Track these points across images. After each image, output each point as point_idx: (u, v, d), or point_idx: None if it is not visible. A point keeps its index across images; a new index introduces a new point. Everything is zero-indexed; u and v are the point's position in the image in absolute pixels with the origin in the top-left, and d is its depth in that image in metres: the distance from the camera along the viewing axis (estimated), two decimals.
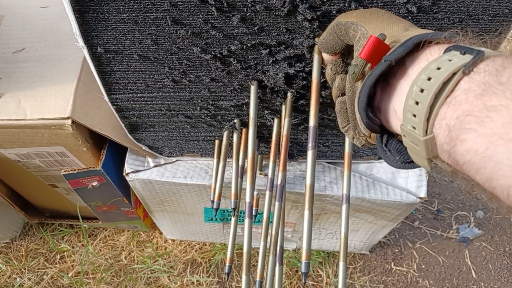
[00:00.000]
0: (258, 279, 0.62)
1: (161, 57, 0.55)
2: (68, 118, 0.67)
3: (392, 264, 1.15)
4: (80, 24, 0.50)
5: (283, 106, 0.63)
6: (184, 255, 1.14)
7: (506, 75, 0.25)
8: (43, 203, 1.09)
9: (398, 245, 1.17)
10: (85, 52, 0.54)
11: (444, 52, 0.29)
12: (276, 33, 0.51)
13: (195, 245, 1.16)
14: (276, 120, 0.66)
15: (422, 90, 0.28)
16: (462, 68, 0.26)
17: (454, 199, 1.23)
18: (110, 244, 1.16)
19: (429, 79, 0.28)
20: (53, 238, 1.17)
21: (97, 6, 0.48)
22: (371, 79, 0.33)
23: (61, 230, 1.18)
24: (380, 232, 0.97)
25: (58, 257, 1.15)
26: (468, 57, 0.27)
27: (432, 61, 0.29)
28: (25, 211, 1.07)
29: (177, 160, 0.80)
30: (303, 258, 0.55)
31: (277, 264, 0.62)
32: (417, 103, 0.28)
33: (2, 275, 1.11)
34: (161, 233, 1.17)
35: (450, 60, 0.27)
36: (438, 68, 0.28)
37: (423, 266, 1.15)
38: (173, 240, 1.17)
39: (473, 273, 1.12)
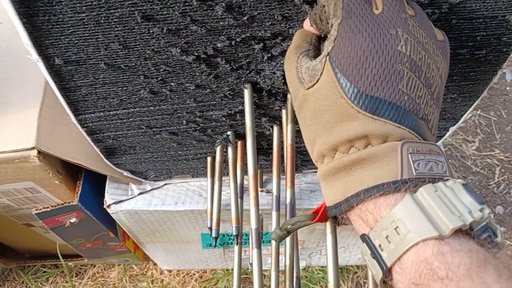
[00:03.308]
0: None
1: (133, 64, 0.45)
2: (33, 148, 0.58)
3: None
4: (29, 31, 0.41)
5: (283, 111, 0.54)
6: (184, 286, 1.04)
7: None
8: (20, 245, 0.98)
9: None
10: (41, 65, 0.45)
11: (362, 239, 0.31)
12: (270, 23, 0.42)
13: (194, 274, 1.06)
14: (276, 128, 0.57)
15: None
16: (382, 279, 0.29)
17: None
18: (100, 282, 1.05)
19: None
20: (36, 281, 1.05)
21: (47, 6, 0.39)
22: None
23: (45, 272, 1.07)
24: None
25: None
26: (379, 270, 0.29)
27: (364, 254, 0.32)
28: (1, 255, 0.96)
29: (165, 184, 0.70)
30: None
31: None
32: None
33: None
34: (155, 264, 1.06)
35: (370, 269, 0.31)
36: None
37: None
38: (170, 271, 1.06)
39: None
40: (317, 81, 0.34)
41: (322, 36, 0.40)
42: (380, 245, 0.29)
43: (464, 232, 0.27)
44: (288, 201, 0.50)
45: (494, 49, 0.48)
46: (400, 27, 0.33)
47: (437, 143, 0.66)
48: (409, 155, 0.30)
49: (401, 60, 0.32)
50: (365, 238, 0.30)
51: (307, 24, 0.39)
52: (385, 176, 0.30)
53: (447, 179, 0.30)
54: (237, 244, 0.57)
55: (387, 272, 0.28)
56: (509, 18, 0.44)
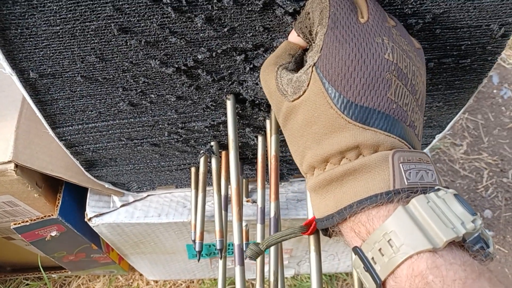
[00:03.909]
0: None
1: (111, 76, 0.44)
2: (10, 162, 0.56)
3: None
4: (1, 45, 0.39)
5: (268, 121, 0.53)
6: None
7: None
8: (1, 258, 0.95)
9: None
10: (15, 79, 0.43)
11: (354, 251, 0.30)
12: (251, 34, 0.41)
13: (181, 284, 1.04)
14: (260, 138, 0.56)
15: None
16: None
17: None
18: None
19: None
20: None
21: (19, 19, 0.37)
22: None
23: (27, 284, 1.04)
24: None
25: None
26: (372, 283, 0.29)
27: (356, 267, 0.31)
28: None
29: (148, 196, 0.68)
30: None
31: None
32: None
33: None
34: (141, 275, 1.04)
35: (364, 283, 0.30)
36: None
37: None
38: (156, 281, 1.04)
39: None
40: (304, 92, 0.33)
41: (308, 47, 0.39)
42: (373, 258, 0.28)
43: (457, 243, 0.27)
44: (272, 214, 0.49)
45: (479, 58, 0.47)
46: (385, 35, 0.32)
47: (423, 150, 0.66)
48: (400, 165, 0.30)
49: (389, 68, 0.31)
50: (357, 251, 0.30)
51: (293, 36, 0.39)
52: (378, 187, 0.29)
53: (438, 189, 0.29)
54: (221, 258, 0.55)
55: (381, 286, 0.28)
56: (493, 27, 0.43)
